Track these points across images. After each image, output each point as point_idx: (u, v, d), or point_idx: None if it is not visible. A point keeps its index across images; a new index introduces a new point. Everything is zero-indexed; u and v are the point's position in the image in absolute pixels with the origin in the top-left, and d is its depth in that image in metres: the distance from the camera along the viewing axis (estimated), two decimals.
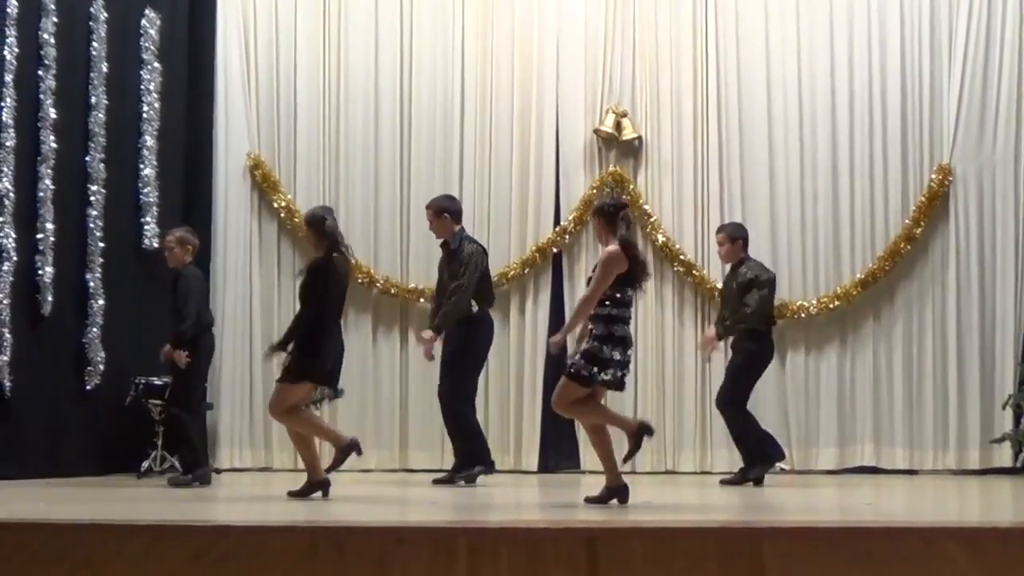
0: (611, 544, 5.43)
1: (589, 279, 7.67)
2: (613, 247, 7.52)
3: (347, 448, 7.99)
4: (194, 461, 9.02)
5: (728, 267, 9.77)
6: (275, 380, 8.17)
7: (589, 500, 7.59)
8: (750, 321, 9.26)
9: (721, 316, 9.58)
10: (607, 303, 7.53)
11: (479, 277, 9.17)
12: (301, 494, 7.89)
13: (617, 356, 7.46)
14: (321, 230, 7.95)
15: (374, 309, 10.63)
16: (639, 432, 7.60)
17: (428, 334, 9.15)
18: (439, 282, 9.38)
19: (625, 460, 7.66)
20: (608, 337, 7.47)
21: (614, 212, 7.71)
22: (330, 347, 7.95)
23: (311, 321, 7.90)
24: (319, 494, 7.87)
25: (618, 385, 7.58)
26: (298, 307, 8.22)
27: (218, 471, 10.16)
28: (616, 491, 7.55)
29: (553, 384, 10.29)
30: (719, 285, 10.30)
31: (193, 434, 9.16)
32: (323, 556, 5.40)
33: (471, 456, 9.21)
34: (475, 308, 9.20)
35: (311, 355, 7.88)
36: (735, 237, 9.49)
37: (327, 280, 7.92)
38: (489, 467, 9.27)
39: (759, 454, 9.23)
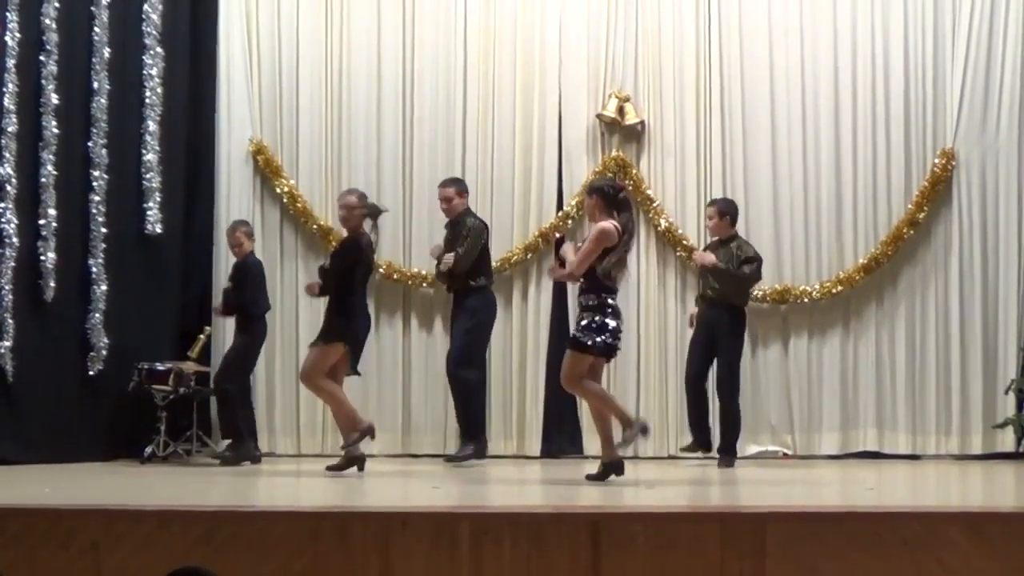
0: (614, 528, 5.44)
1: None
2: (607, 223, 7.82)
3: (365, 431, 8.54)
4: (241, 441, 9.59)
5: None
6: (309, 345, 8.78)
7: (590, 477, 7.86)
8: (736, 292, 9.55)
9: (707, 290, 9.75)
10: (590, 273, 7.81)
11: (480, 251, 9.70)
12: (352, 443, 8.53)
13: (611, 324, 7.84)
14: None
15: (376, 294, 10.61)
16: (637, 426, 7.92)
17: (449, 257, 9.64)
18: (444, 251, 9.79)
19: (617, 446, 7.90)
20: (601, 306, 7.83)
21: (613, 194, 8.02)
22: (362, 315, 8.76)
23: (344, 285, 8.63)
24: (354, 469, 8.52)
25: (611, 351, 7.97)
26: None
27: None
28: (612, 466, 7.85)
29: (556, 368, 10.46)
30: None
31: (240, 414, 9.68)
32: (326, 540, 5.42)
33: (470, 434, 9.63)
34: (482, 280, 9.71)
35: (346, 317, 8.56)
36: (724, 212, 9.77)
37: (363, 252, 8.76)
38: (480, 453, 9.64)
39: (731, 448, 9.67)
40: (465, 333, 9.65)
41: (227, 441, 9.83)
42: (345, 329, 8.59)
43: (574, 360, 7.89)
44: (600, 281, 7.84)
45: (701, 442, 9.78)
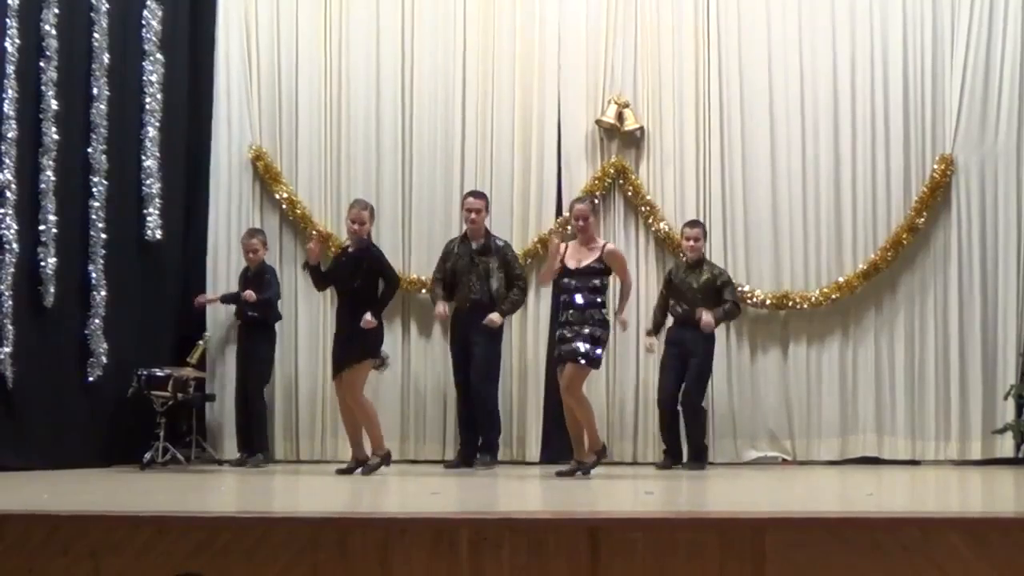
0: (613, 535, 5.43)
1: (577, 270, 8.67)
2: (614, 245, 8.97)
3: (385, 457, 9.19)
4: (264, 443, 10.13)
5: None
6: (352, 365, 9.08)
7: (570, 472, 8.74)
8: (734, 316, 10.03)
9: (677, 308, 10.03)
10: (601, 291, 8.68)
11: None
12: (372, 469, 9.01)
13: (607, 336, 8.80)
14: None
15: None
16: (602, 452, 8.90)
17: (497, 317, 9.90)
18: (466, 271, 10.00)
19: (576, 469, 8.79)
20: (603, 321, 8.69)
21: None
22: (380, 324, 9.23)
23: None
24: (384, 468, 9.16)
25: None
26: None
27: (220, 463, 10.18)
28: (599, 453, 8.84)
29: (555, 375, 10.46)
30: None
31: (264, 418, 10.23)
32: (325, 547, 5.41)
33: (489, 443, 10.04)
34: None
35: (376, 332, 9.11)
36: (706, 234, 10.23)
37: None
38: (495, 458, 10.11)
39: (703, 452, 10.00)
40: (487, 347, 9.97)
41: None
42: (376, 345, 9.18)
43: (584, 374, 8.68)
44: (601, 297, 8.67)
45: (676, 456, 10.00)
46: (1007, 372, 10.45)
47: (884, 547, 5.40)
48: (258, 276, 10.17)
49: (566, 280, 8.74)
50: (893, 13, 10.78)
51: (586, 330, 8.53)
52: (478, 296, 9.93)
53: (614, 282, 9.05)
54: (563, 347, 8.70)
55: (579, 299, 8.62)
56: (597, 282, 8.62)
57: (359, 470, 9.01)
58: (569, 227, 10.59)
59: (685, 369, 9.91)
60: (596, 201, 9.36)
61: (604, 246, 8.79)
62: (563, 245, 8.84)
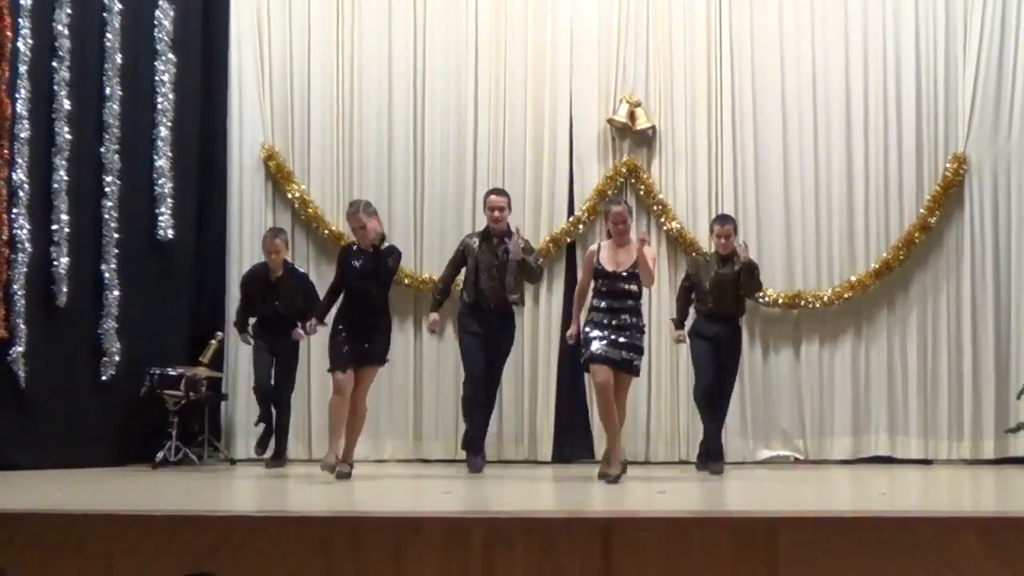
0: (626, 534, 5.44)
1: (623, 274, 8.47)
2: (652, 248, 8.82)
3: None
4: (285, 445, 9.95)
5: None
6: (370, 365, 8.70)
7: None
8: (742, 307, 9.81)
9: (708, 303, 9.59)
10: (640, 296, 8.58)
11: None
12: (346, 476, 8.50)
13: None
14: None
15: None
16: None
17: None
18: (490, 267, 9.63)
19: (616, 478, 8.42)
20: (644, 328, 8.62)
21: None
22: None
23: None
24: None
25: None
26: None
27: (233, 462, 10.19)
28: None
29: (568, 373, 10.47)
30: None
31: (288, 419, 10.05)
32: (339, 546, 5.42)
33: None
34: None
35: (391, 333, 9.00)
36: (736, 230, 9.81)
37: None
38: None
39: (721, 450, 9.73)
40: (509, 352, 9.86)
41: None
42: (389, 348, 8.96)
43: (630, 382, 8.61)
44: (641, 303, 8.61)
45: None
46: (1020, 371, 10.42)
47: (897, 546, 5.40)
48: (287, 282, 9.85)
49: (609, 282, 8.48)
50: (905, 12, 10.75)
51: (637, 340, 8.45)
52: (503, 292, 9.72)
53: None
54: (622, 352, 8.36)
55: (629, 303, 8.47)
56: (636, 287, 8.47)
57: (334, 474, 8.54)
58: (581, 225, 10.70)
59: (718, 363, 9.56)
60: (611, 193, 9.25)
61: (639, 244, 8.49)
62: (593, 253, 8.66)
